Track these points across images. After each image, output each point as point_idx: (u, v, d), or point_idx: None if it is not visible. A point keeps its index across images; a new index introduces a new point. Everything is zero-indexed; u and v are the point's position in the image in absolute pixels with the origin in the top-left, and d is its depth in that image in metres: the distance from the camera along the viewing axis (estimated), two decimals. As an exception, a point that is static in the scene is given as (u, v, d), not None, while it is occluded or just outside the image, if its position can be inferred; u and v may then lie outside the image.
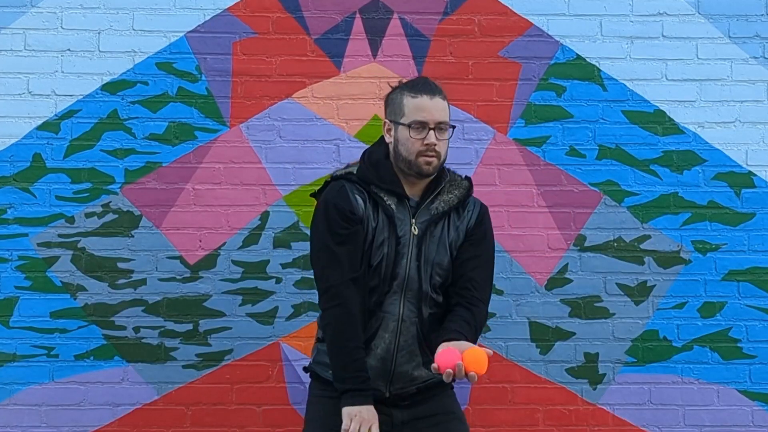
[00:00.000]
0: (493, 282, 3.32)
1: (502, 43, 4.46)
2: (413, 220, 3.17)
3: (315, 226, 3.23)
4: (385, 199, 3.18)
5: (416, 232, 3.16)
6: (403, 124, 3.16)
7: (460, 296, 3.18)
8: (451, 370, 2.88)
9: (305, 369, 3.36)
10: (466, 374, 2.89)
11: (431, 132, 3.13)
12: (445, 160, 3.22)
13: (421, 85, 3.20)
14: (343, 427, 3.03)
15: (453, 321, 3.11)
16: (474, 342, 3.06)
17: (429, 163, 3.15)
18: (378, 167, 3.22)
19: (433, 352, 3.04)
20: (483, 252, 3.25)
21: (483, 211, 3.29)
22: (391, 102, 3.23)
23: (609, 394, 4.37)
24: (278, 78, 4.42)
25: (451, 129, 3.20)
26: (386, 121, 3.26)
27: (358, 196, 3.18)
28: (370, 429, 3.03)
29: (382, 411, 3.15)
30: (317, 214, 3.23)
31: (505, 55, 4.46)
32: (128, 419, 4.29)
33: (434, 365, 2.91)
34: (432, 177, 3.21)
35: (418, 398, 3.21)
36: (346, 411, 3.04)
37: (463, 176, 3.33)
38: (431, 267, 3.16)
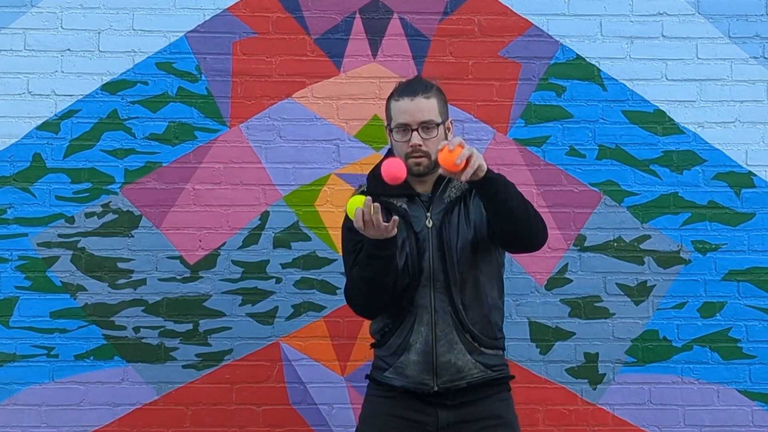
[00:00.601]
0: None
1: (502, 43, 4.46)
2: (428, 214, 3.22)
3: (341, 246, 3.36)
4: (395, 202, 3.23)
5: (430, 225, 3.20)
6: (391, 129, 3.24)
7: None
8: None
9: (366, 376, 3.37)
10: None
11: (415, 133, 3.17)
12: None
13: (404, 88, 3.25)
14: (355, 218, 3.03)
15: None
16: (514, 188, 3.13)
17: (418, 164, 3.20)
18: (381, 178, 3.26)
19: (474, 337, 3.17)
20: None
21: None
22: (386, 108, 3.31)
23: (609, 394, 4.37)
24: (278, 78, 4.42)
25: (437, 127, 3.19)
26: (385, 126, 3.34)
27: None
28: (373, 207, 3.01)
29: (428, 412, 3.18)
30: (341, 237, 3.36)
31: (505, 55, 4.46)
32: (128, 419, 4.29)
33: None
34: (440, 171, 3.22)
35: (468, 399, 3.19)
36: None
37: None
38: (456, 253, 3.18)
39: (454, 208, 3.22)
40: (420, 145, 3.17)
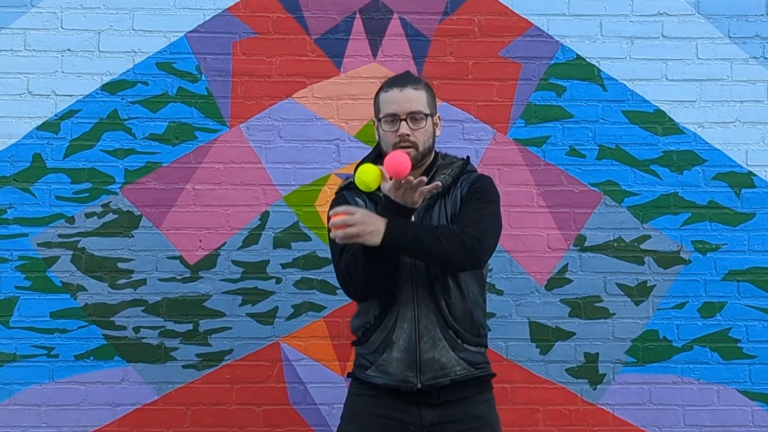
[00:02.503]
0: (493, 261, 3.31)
1: (502, 43, 4.46)
2: None
3: (329, 234, 3.29)
4: (380, 194, 3.19)
5: (412, 219, 3.17)
6: (379, 120, 3.24)
7: None
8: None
9: (348, 375, 3.35)
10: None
11: (403, 123, 3.17)
12: (428, 148, 3.23)
13: (393, 79, 3.27)
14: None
15: None
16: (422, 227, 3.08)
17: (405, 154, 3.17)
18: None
19: (457, 334, 3.15)
20: (472, 204, 3.18)
21: (475, 178, 3.27)
22: (374, 102, 3.31)
23: (609, 394, 4.38)
24: (278, 78, 4.42)
25: (426, 118, 3.19)
26: (373, 120, 3.33)
27: (357, 198, 3.25)
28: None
29: (411, 411, 3.16)
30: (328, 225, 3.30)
31: (505, 55, 4.46)
32: (128, 419, 4.29)
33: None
34: (425, 165, 3.25)
35: (451, 398, 3.17)
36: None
37: (463, 156, 3.35)
38: None
39: (435, 204, 3.21)
40: (408, 135, 3.16)
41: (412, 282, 3.16)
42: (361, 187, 3.02)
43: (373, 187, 3.01)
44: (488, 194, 3.26)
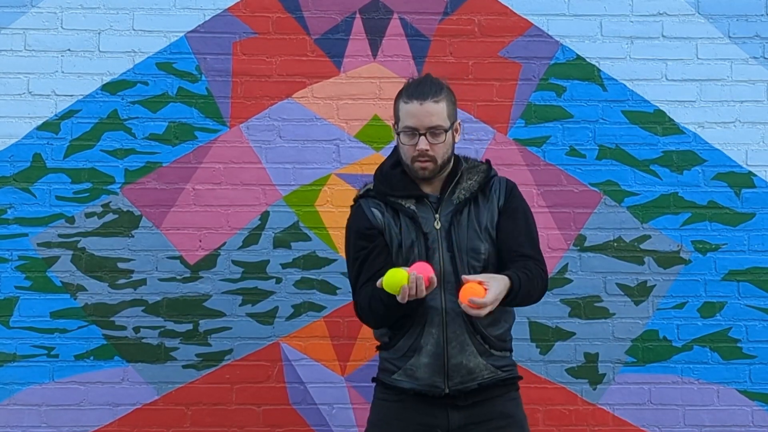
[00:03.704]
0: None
1: (502, 43, 4.46)
2: (437, 215, 3.20)
3: (345, 249, 3.34)
4: (403, 203, 3.21)
5: (438, 226, 3.18)
6: (398, 132, 3.21)
7: (513, 262, 3.17)
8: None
9: (373, 379, 3.34)
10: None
11: (422, 138, 3.15)
12: (447, 160, 3.22)
13: (413, 89, 3.20)
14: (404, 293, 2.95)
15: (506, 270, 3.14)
16: (522, 284, 3.06)
17: (424, 168, 3.18)
18: (388, 177, 3.26)
19: (485, 339, 3.16)
20: (520, 220, 3.24)
21: (510, 186, 3.29)
22: (394, 107, 3.27)
23: (609, 394, 4.37)
24: (278, 78, 4.42)
25: (445, 132, 3.17)
26: (392, 124, 3.31)
27: (374, 210, 3.23)
28: (430, 279, 2.96)
29: (438, 415, 3.16)
30: (345, 239, 3.33)
31: (505, 55, 4.46)
32: (128, 419, 4.29)
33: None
34: (447, 171, 3.24)
35: (478, 399, 3.17)
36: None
37: (482, 160, 3.37)
38: (466, 254, 3.17)
39: (464, 209, 3.20)
40: (427, 150, 3.15)
41: (441, 287, 3.13)
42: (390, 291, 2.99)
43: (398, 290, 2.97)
44: (527, 206, 3.32)
